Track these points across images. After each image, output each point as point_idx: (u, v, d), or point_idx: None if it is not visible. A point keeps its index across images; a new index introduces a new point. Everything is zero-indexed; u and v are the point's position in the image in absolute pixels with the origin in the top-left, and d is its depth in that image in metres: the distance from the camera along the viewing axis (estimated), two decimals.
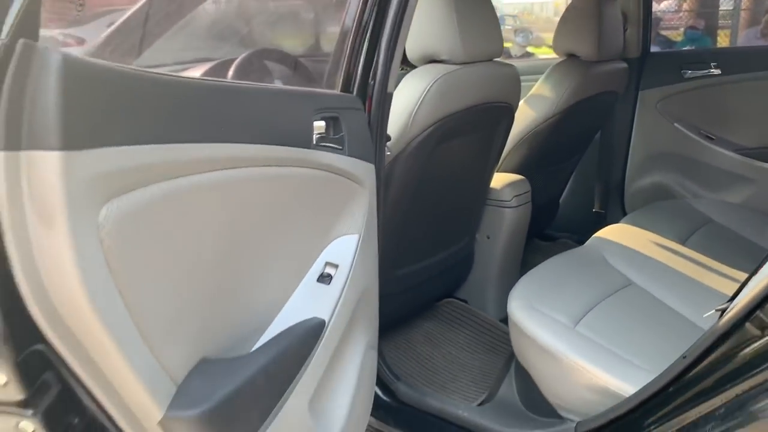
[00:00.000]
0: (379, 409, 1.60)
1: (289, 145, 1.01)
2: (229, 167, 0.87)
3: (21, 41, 0.62)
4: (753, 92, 2.48)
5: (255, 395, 0.90)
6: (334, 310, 1.13)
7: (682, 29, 5.38)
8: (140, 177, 0.74)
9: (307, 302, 1.10)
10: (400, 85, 1.69)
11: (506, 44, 7.55)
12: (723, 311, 1.17)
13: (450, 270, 2.20)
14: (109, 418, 0.79)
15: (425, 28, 1.71)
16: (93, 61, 0.68)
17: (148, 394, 0.77)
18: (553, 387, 1.51)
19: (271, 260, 1.02)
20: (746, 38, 5.05)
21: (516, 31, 7.38)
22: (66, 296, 0.68)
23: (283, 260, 1.07)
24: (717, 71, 2.51)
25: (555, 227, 2.87)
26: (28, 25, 0.63)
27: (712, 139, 2.56)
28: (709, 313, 1.22)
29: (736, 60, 2.56)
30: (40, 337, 0.70)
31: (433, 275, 2.10)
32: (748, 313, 1.09)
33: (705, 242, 2.07)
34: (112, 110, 0.71)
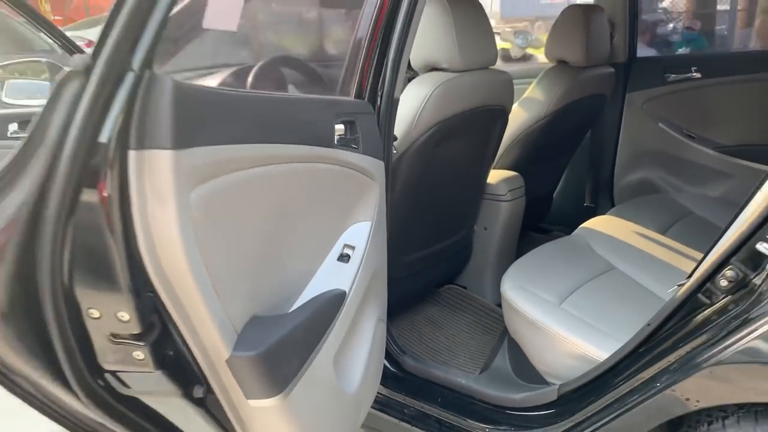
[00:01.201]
0: (387, 378, 1.81)
1: (318, 145, 1.22)
2: (276, 162, 1.09)
3: (147, 72, 0.84)
4: (731, 94, 2.68)
5: (295, 345, 1.11)
6: (352, 285, 1.34)
7: (677, 31, 5.54)
8: (217, 169, 0.96)
9: (330, 277, 1.31)
10: (405, 90, 1.89)
11: (506, 45, 7.74)
12: (682, 285, 1.38)
13: (450, 258, 2.41)
14: (191, 354, 1.02)
15: (427, 40, 1.91)
16: (190, 83, 0.91)
17: (219, 338, 0.99)
18: (540, 356, 1.72)
19: (303, 239, 1.24)
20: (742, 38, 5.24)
21: (516, 33, 7.57)
22: (170, 255, 0.90)
23: (311, 240, 1.28)
24: (697, 75, 2.71)
25: (548, 221, 3.07)
26: (149, 59, 0.85)
27: (693, 137, 2.76)
28: (672, 288, 1.43)
29: (715, 64, 2.76)
30: (151, 287, 0.93)
31: (435, 263, 2.31)
32: (699, 286, 1.30)
33: (684, 232, 2.27)
34: (203, 119, 0.93)
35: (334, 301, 1.27)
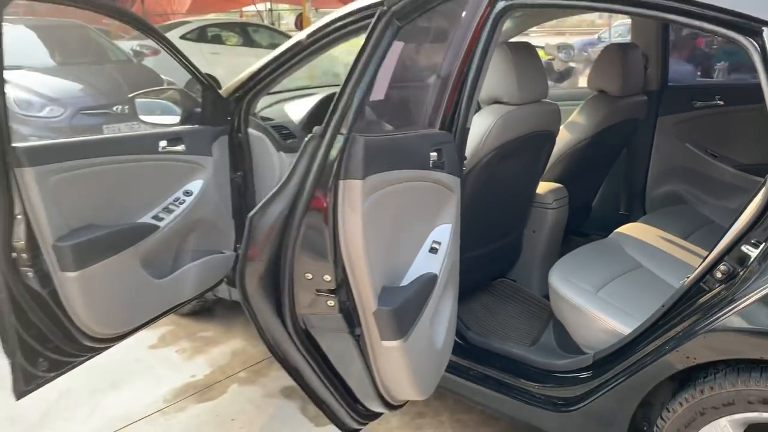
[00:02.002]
0: (455, 348, 2.26)
1: (422, 169, 1.72)
2: (402, 182, 1.60)
3: (351, 134, 1.36)
4: (749, 120, 3.08)
5: (411, 308, 1.63)
6: (440, 270, 1.84)
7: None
8: (376, 188, 1.49)
9: (424, 263, 1.81)
10: (474, 120, 2.36)
11: (548, 57, 8.13)
12: (689, 277, 1.83)
13: (503, 256, 2.88)
14: (355, 305, 1.54)
15: (492, 79, 2.38)
16: (372, 136, 1.46)
17: (371, 296, 1.51)
18: (579, 332, 2.18)
19: (408, 235, 1.74)
20: None
21: (559, 47, 7.97)
22: (354, 242, 1.43)
23: (412, 236, 1.79)
24: (721, 102, 3.14)
25: (588, 226, 3.50)
26: (351, 128, 1.37)
27: (716, 156, 3.18)
28: (684, 280, 1.87)
29: (736, 93, 3.18)
30: (342, 260, 1.45)
31: (491, 259, 2.78)
32: (701, 277, 1.75)
33: (703, 238, 2.68)
34: (374, 158, 1.45)
35: (430, 281, 1.77)
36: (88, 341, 2.21)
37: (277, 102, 3.23)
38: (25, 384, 2.09)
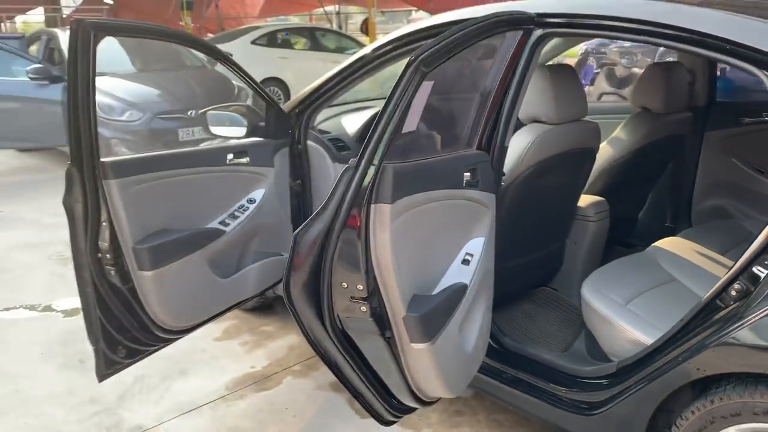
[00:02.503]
0: (491, 352, 2.43)
1: (454, 188, 1.91)
2: (432, 202, 1.79)
3: (383, 164, 1.57)
4: None
5: (439, 314, 1.82)
6: (471, 281, 2.01)
7: None
8: (405, 209, 1.68)
9: (456, 273, 1.99)
10: (513, 138, 2.52)
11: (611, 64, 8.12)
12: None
13: (545, 265, 3.01)
14: (386, 311, 1.74)
15: (531, 99, 2.52)
16: (401, 164, 1.66)
17: (401, 304, 1.72)
18: (607, 341, 2.31)
19: (440, 248, 1.93)
20: None
21: (621, 54, 7.95)
22: (384, 256, 1.64)
23: (445, 249, 1.97)
24: None
25: (634, 237, 3.58)
26: (382, 158, 1.57)
27: (762, 172, 3.21)
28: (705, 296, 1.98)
29: None
30: (373, 272, 1.65)
31: (532, 268, 2.92)
32: (718, 294, 1.86)
33: (742, 253, 2.74)
34: (403, 183, 1.65)
35: (460, 290, 1.95)
36: (161, 332, 2.49)
37: (334, 115, 3.45)
38: (106, 368, 2.39)
